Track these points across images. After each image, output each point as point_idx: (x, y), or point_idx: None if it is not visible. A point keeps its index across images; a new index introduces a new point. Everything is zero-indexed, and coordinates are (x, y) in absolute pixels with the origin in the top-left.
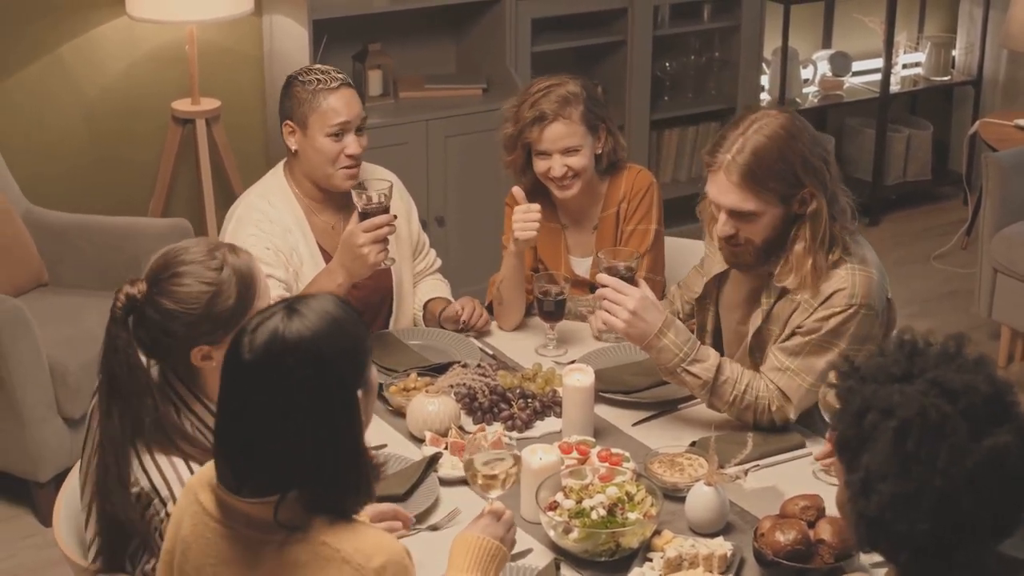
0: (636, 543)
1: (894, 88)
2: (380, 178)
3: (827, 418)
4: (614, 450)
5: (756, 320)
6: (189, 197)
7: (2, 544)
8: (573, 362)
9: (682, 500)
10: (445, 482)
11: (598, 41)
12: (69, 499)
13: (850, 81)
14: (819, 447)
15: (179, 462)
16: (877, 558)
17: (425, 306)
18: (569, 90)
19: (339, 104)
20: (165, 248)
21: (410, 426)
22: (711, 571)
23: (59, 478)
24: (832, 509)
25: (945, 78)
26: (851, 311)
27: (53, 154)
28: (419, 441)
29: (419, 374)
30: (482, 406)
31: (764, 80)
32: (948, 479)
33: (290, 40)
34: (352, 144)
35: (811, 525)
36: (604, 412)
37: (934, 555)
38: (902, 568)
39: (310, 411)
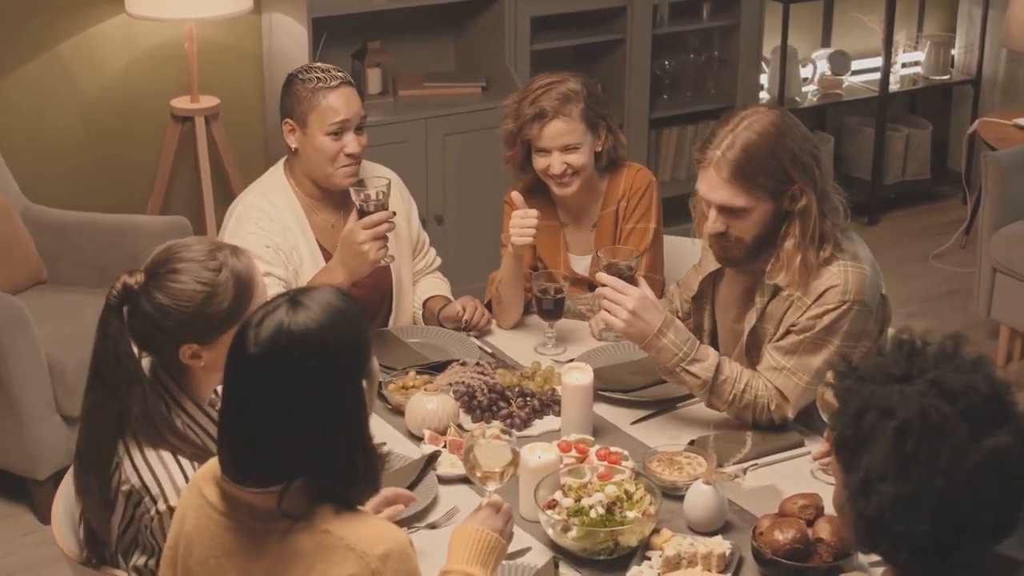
0: (635, 542)
1: (893, 87)
2: (378, 176)
3: (825, 418)
4: (613, 448)
5: (751, 319)
6: (188, 195)
7: (0, 542)
8: (572, 360)
9: (681, 499)
10: (444, 480)
11: (597, 39)
12: (67, 497)
13: (849, 80)
14: (818, 446)
15: (168, 457)
16: (875, 557)
17: (424, 304)
18: (570, 87)
19: (339, 103)
20: (169, 242)
21: (409, 424)
22: (710, 570)
23: (57, 476)
24: (831, 508)
25: (944, 77)
26: (844, 307)
27: (52, 152)
28: (418, 439)
29: (418, 372)
30: (481, 404)
31: (763, 79)
32: (949, 479)
33: (289, 38)
34: (351, 143)
35: (810, 524)
36: (603, 411)
37: (934, 555)
38: (901, 568)
39: (317, 403)
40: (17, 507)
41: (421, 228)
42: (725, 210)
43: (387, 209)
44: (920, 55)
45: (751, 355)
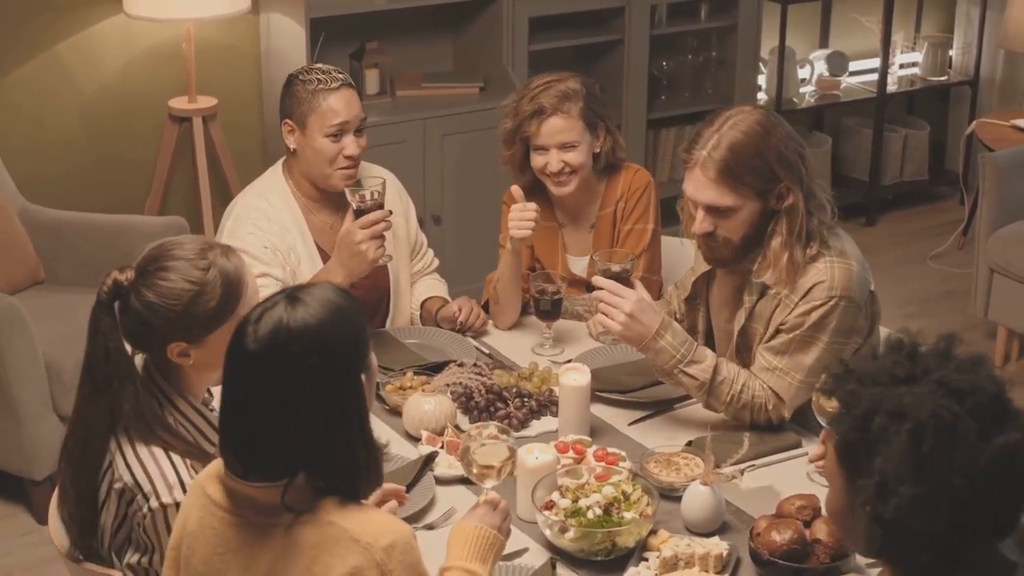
0: (632, 542)
1: (891, 88)
2: (374, 176)
3: (821, 422)
4: (610, 449)
5: (740, 319)
6: (186, 195)
7: None
8: (569, 361)
9: (678, 499)
10: (441, 481)
11: (595, 40)
12: None
13: (847, 81)
14: (815, 447)
15: (160, 453)
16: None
17: (422, 305)
18: (569, 86)
19: (338, 104)
20: (161, 240)
21: (406, 425)
22: (707, 571)
23: (55, 476)
24: None
25: (942, 78)
26: (831, 303)
27: (50, 152)
28: (415, 440)
29: (415, 373)
30: (478, 405)
31: (761, 80)
32: (965, 479)
33: (287, 38)
34: (351, 145)
35: (807, 525)
36: (600, 411)
37: (942, 556)
38: (903, 570)
39: (316, 398)
40: (14, 507)
41: (419, 229)
42: (712, 210)
43: (383, 208)
44: (918, 56)
45: (742, 355)
